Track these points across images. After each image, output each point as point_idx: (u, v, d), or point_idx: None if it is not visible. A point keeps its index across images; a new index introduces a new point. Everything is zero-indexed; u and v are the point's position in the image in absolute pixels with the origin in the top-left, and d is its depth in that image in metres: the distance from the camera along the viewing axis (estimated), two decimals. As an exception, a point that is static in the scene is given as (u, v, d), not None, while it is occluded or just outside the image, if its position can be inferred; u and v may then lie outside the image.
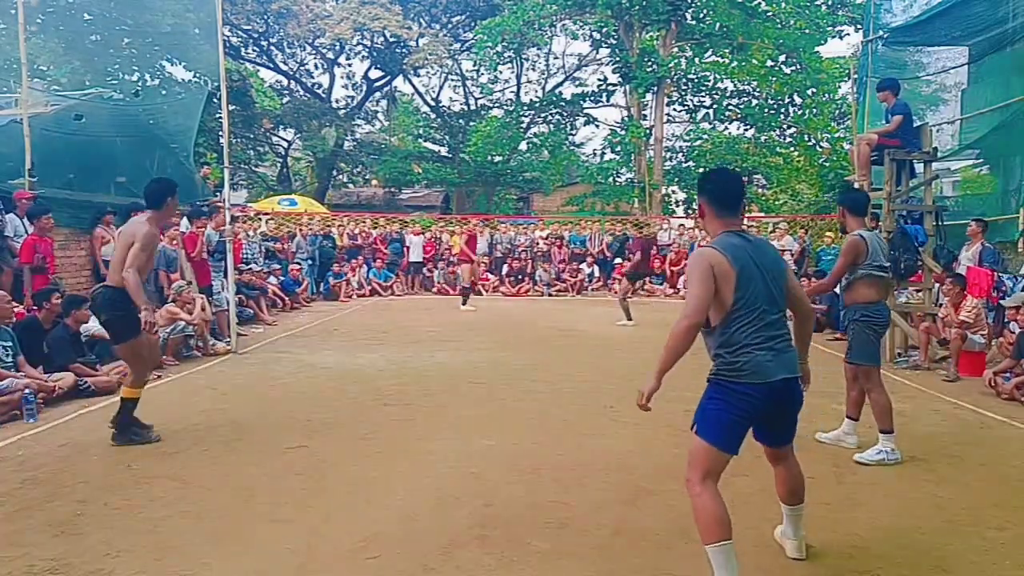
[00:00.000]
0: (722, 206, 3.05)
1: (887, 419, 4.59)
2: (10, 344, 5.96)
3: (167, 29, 15.42)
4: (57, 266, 8.40)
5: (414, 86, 31.56)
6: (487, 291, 16.59)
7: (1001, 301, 7.70)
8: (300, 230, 15.98)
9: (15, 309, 6.48)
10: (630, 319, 11.45)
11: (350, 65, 31.27)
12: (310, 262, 15.07)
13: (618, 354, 8.70)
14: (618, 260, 16.85)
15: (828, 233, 15.66)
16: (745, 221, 18.07)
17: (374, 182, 31.65)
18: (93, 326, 6.84)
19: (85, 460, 4.56)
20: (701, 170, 24.32)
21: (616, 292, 12.31)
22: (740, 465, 4.54)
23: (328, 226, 17.23)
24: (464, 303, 13.55)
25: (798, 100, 22.90)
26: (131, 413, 4.87)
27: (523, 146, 27.33)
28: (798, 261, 14.83)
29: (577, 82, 30.29)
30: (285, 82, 30.63)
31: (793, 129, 23.34)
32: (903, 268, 8.06)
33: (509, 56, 27.33)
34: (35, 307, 6.69)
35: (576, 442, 4.91)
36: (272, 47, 29.37)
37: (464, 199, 29.57)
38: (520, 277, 17.17)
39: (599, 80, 27.03)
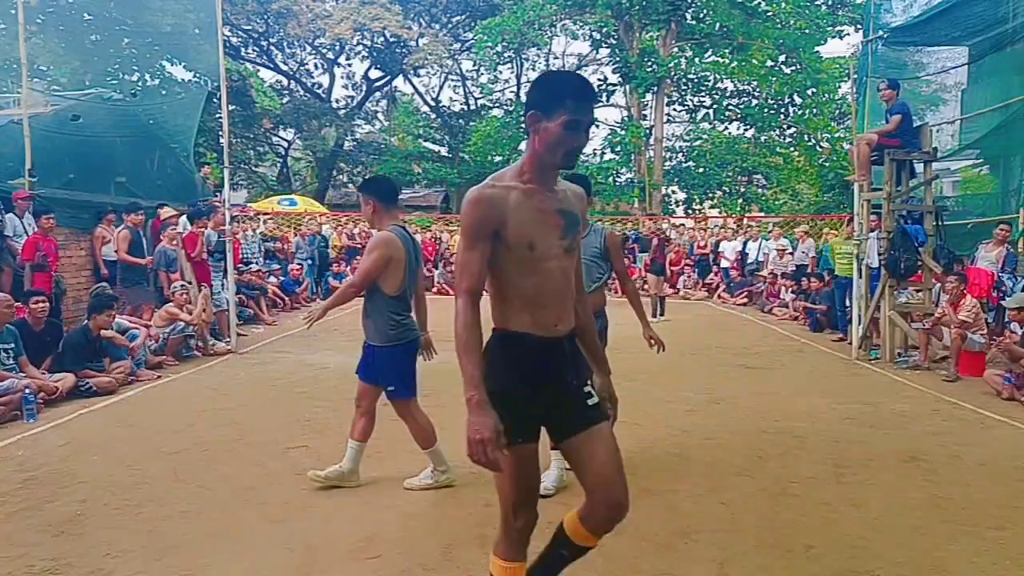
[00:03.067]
0: (390, 202, 3.93)
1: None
2: (11, 345, 5.96)
3: (167, 29, 15.39)
4: (58, 266, 8.38)
5: (414, 86, 31.55)
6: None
7: (1002, 301, 7.68)
8: (299, 231, 15.93)
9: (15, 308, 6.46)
10: (663, 314, 11.43)
11: (350, 65, 31.28)
12: (310, 262, 15.05)
13: (618, 353, 8.65)
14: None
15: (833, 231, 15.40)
16: (745, 221, 17.84)
17: (374, 182, 31.60)
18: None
19: (85, 460, 4.56)
20: (701, 170, 24.38)
21: (648, 290, 12.20)
22: (741, 465, 4.56)
23: (321, 225, 17.11)
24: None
25: (798, 100, 22.89)
26: None
27: (523, 146, 27.24)
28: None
29: (577, 82, 30.26)
30: (285, 82, 30.58)
31: (793, 129, 23.34)
32: (903, 268, 8.07)
33: (509, 56, 27.30)
34: (19, 305, 6.56)
35: (576, 442, 4.90)
36: (272, 47, 29.32)
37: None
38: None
39: (599, 80, 26.99)
